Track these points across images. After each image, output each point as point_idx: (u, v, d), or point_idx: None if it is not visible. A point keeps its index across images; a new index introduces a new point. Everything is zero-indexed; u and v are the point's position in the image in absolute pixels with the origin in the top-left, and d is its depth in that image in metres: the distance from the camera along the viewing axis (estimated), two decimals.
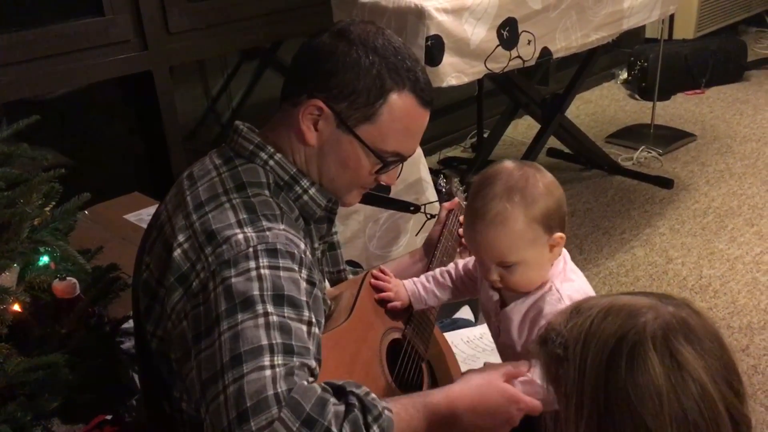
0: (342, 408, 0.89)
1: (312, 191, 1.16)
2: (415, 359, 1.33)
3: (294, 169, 1.14)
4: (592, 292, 1.20)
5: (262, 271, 0.96)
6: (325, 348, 1.05)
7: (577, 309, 0.82)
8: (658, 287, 2.48)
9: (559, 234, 1.14)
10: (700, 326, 0.77)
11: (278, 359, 0.89)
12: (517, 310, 1.19)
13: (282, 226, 1.04)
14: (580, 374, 0.77)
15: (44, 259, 1.34)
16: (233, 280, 0.95)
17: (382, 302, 1.33)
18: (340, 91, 1.08)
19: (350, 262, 2.08)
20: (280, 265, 0.98)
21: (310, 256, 1.07)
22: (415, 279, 1.38)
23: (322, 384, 0.91)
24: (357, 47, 1.09)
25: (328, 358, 1.06)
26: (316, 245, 1.22)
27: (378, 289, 1.34)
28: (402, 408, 0.98)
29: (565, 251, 1.21)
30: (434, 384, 1.31)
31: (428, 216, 1.72)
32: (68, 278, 1.34)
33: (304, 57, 1.14)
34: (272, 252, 0.98)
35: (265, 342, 0.90)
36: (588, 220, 2.98)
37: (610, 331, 0.76)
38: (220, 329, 0.92)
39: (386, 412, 0.92)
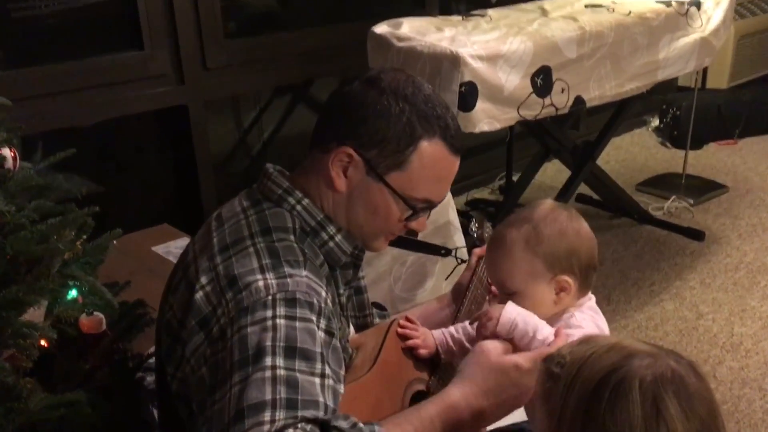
0: None
1: (338, 238, 1.15)
2: None
3: (321, 215, 1.14)
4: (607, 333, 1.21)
5: (277, 321, 0.95)
6: (346, 399, 1.03)
7: (586, 340, 0.88)
8: (687, 343, 2.43)
9: (567, 278, 1.15)
10: (695, 388, 0.78)
11: (279, 414, 0.88)
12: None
13: (304, 273, 1.03)
14: (567, 395, 0.81)
15: (73, 294, 1.34)
16: (249, 329, 0.95)
17: (408, 352, 1.32)
18: (370, 138, 1.09)
19: (375, 304, 2.05)
20: (297, 315, 0.97)
21: (330, 304, 1.06)
22: (443, 329, 1.36)
23: (308, 427, 0.89)
24: (387, 95, 1.10)
25: (348, 410, 1.04)
26: (341, 291, 1.21)
27: (404, 338, 1.32)
28: (394, 426, 1.00)
29: (591, 296, 1.23)
30: None
31: (459, 261, 1.70)
32: (95, 313, 1.34)
33: (335, 105, 1.14)
34: (291, 302, 0.98)
35: (268, 397, 0.90)
36: (616, 270, 2.93)
37: (604, 364, 0.80)
38: (231, 382, 0.92)
39: None
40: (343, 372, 1.04)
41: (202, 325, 1.01)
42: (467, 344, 1.35)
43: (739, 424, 2.03)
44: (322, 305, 1.01)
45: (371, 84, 1.12)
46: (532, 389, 0.98)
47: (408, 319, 1.35)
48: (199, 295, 1.02)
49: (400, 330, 1.32)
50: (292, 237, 1.09)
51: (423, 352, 1.31)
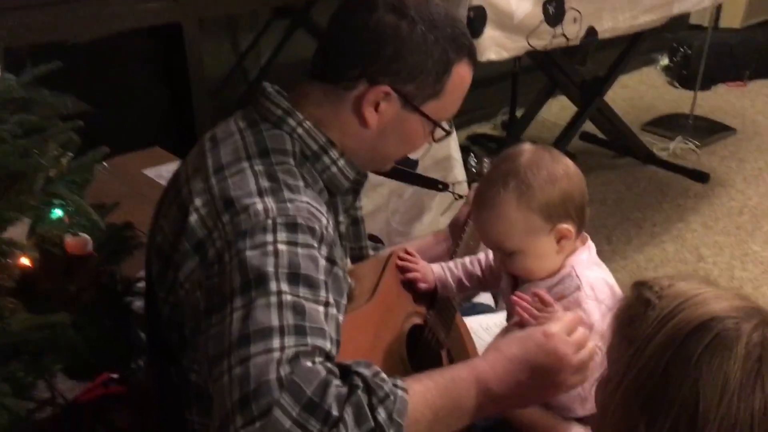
0: (345, 390, 0.82)
1: (341, 163, 1.09)
2: (435, 346, 1.28)
3: (323, 138, 1.07)
4: (616, 288, 1.14)
5: (279, 246, 0.90)
6: (345, 330, 0.99)
7: (687, 276, 0.80)
8: None
9: (566, 226, 1.08)
10: None
11: (289, 341, 0.84)
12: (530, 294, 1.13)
13: (305, 198, 0.98)
14: (660, 325, 0.74)
15: (57, 213, 1.28)
16: (248, 253, 0.89)
17: (406, 285, 1.28)
18: (409, 74, 1.04)
19: (371, 237, 2.01)
20: (299, 241, 0.92)
21: (332, 231, 1.01)
22: (443, 264, 1.32)
23: (329, 365, 0.84)
24: (418, 24, 1.03)
25: (347, 340, 0.99)
26: (341, 218, 1.16)
27: (404, 270, 1.28)
28: (423, 387, 0.90)
29: (591, 244, 1.16)
30: None
31: (456, 196, 1.65)
32: (81, 234, 1.28)
33: (357, 36, 1.05)
34: (292, 226, 0.93)
35: (276, 323, 0.85)
36: (618, 210, 2.88)
37: (713, 308, 0.73)
38: (232, 305, 0.87)
39: (398, 391, 0.85)
40: (344, 302, 1.00)
41: (197, 248, 0.96)
42: (465, 281, 1.31)
43: None
44: (324, 232, 0.96)
45: (399, 13, 1.03)
46: (569, 359, 0.93)
47: (408, 252, 1.31)
48: (193, 217, 0.97)
49: (399, 262, 1.28)
50: (291, 161, 1.03)
51: (422, 286, 1.28)
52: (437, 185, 1.60)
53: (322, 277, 0.92)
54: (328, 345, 0.87)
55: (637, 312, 0.77)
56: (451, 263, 1.32)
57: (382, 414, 0.81)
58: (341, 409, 0.80)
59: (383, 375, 0.86)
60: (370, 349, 1.11)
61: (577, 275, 1.10)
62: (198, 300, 0.94)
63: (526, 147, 1.13)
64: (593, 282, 1.09)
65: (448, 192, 1.66)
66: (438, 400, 0.89)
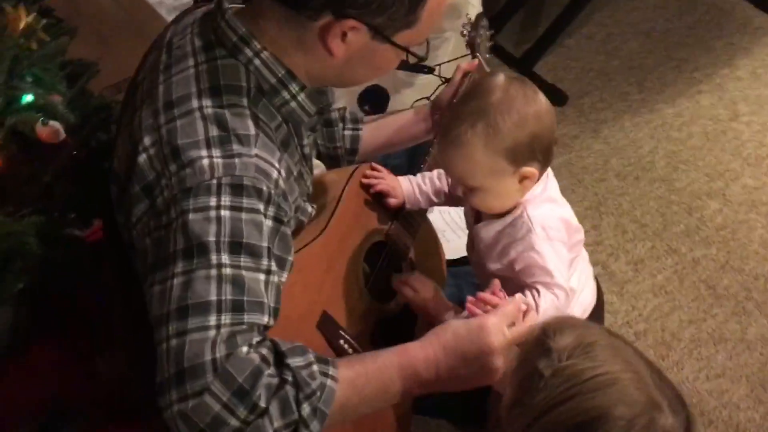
0: (275, 382, 0.86)
1: (301, 97, 1.04)
2: (396, 260, 1.29)
3: (283, 71, 1.01)
4: (573, 221, 1.16)
5: (222, 212, 0.90)
6: (297, 269, 1.02)
7: (589, 348, 0.78)
8: (709, 150, 2.28)
9: (530, 169, 1.08)
10: None
11: (225, 318, 0.87)
12: (486, 230, 1.17)
13: (254, 151, 0.95)
14: (546, 409, 0.75)
15: (28, 98, 1.27)
16: (191, 216, 0.90)
17: (371, 203, 1.27)
18: (379, 6, 0.94)
19: (375, 91, 1.94)
20: (243, 205, 0.92)
21: (283, 183, 0.99)
22: (411, 178, 1.30)
23: (263, 352, 0.88)
24: None
25: (296, 282, 1.03)
26: (305, 141, 1.12)
27: (369, 187, 1.26)
28: (353, 372, 0.94)
29: (550, 174, 1.16)
30: None
31: (443, 80, 1.54)
32: (51, 123, 1.27)
33: None
34: (237, 188, 0.91)
35: (214, 298, 0.87)
36: (661, 47, 2.65)
37: (604, 403, 0.73)
38: (174, 269, 0.89)
39: (327, 382, 0.90)
40: (290, 258, 1.00)
41: (146, 192, 0.96)
42: (433, 197, 1.29)
43: (729, 254, 1.99)
44: (272, 191, 0.95)
45: None
46: (497, 354, 0.94)
47: (374, 168, 1.28)
48: (142, 158, 0.96)
49: (364, 180, 1.26)
50: (244, 100, 0.98)
51: (391, 201, 1.27)
52: (423, 69, 1.49)
53: (265, 243, 0.92)
54: (265, 318, 0.90)
55: (530, 378, 0.77)
56: (419, 178, 1.31)
57: (306, 409, 0.86)
58: (268, 400, 0.84)
59: (315, 368, 0.89)
60: (319, 286, 1.13)
61: (528, 217, 1.11)
62: (146, 248, 0.97)
63: (499, 82, 1.08)
64: (544, 221, 1.11)
65: (434, 76, 1.55)
66: (366, 386, 0.93)
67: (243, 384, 0.84)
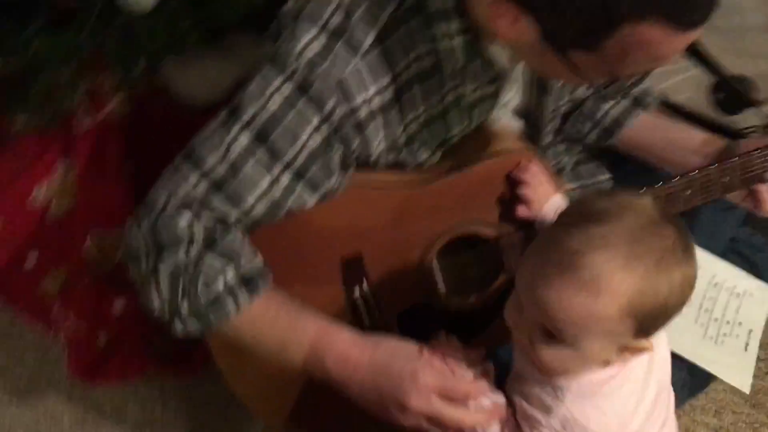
0: (180, 262, 0.86)
1: (456, 42, 0.87)
2: (490, 266, 1.06)
3: (452, 2, 0.85)
4: None
5: (275, 97, 0.87)
6: (358, 200, 0.97)
7: None
8: None
9: (644, 342, 0.79)
10: None
11: (201, 186, 0.88)
12: (516, 386, 0.88)
13: (349, 67, 0.87)
14: None
15: None
16: (256, 79, 0.88)
17: (500, 191, 1.03)
18: (554, 7, 0.75)
19: None
20: (297, 107, 0.87)
21: (365, 112, 0.89)
22: (561, 200, 1.03)
23: (196, 232, 0.87)
24: None
25: (345, 211, 0.97)
26: (461, 90, 0.95)
27: (517, 183, 1.01)
28: (263, 309, 0.88)
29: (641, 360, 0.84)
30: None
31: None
32: None
33: None
34: (303, 89, 0.87)
35: (211, 161, 0.88)
36: None
37: None
38: (219, 114, 0.90)
39: (228, 304, 0.86)
40: (323, 189, 0.92)
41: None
42: None
43: None
44: (339, 112, 0.88)
45: None
46: (406, 412, 0.83)
47: (532, 165, 1.02)
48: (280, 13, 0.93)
49: (514, 171, 1.01)
50: (389, 7, 0.87)
51: (521, 211, 1.01)
52: (729, 132, 1.17)
53: (291, 154, 0.88)
54: (233, 215, 0.89)
55: None
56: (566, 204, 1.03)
57: (185, 305, 0.86)
58: (166, 273, 0.86)
59: (226, 279, 0.86)
60: (371, 229, 1.00)
61: (567, 407, 0.81)
62: None
63: (652, 210, 0.77)
64: (572, 422, 0.81)
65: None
66: (266, 332, 0.89)
67: (160, 243, 0.87)
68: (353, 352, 0.86)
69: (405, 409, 0.84)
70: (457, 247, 1.05)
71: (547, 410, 0.81)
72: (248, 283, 0.87)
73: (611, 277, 0.72)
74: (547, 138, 1.12)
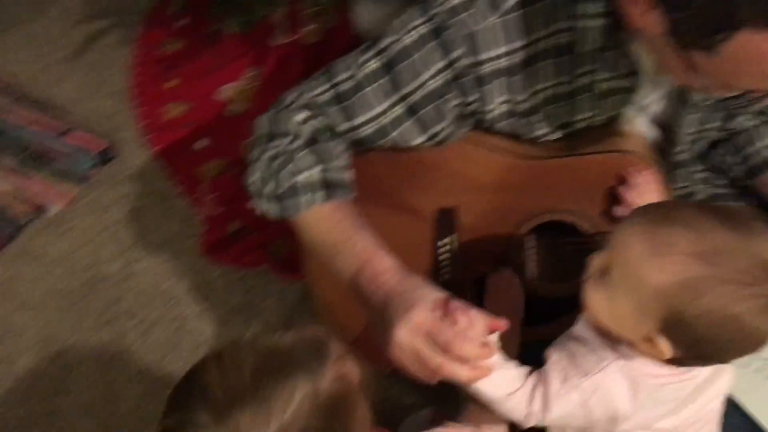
0: (281, 150, 0.93)
1: (595, 23, 0.88)
2: (577, 257, 1.02)
3: None
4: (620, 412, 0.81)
5: (410, 33, 0.91)
6: (469, 160, 1.00)
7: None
8: None
9: (664, 347, 0.75)
10: None
11: (326, 95, 0.94)
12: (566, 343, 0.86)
13: (488, 21, 0.88)
14: None
15: None
16: (403, 16, 0.93)
17: (601, 187, 1.01)
18: None
19: None
20: (427, 47, 0.90)
21: (491, 68, 0.91)
22: None
23: (305, 131, 0.94)
24: None
25: (455, 165, 1.02)
26: (597, 76, 0.94)
27: (623, 182, 0.98)
28: (329, 212, 0.92)
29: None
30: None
31: None
32: None
33: None
34: (434, 32, 0.90)
35: (340, 77, 0.94)
36: None
37: None
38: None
39: (302, 200, 0.91)
40: (431, 131, 0.96)
41: None
42: None
43: None
44: (463, 63, 0.90)
45: None
46: (393, 342, 0.79)
47: (645, 173, 0.99)
48: None
49: (627, 171, 0.98)
50: None
51: (618, 211, 0.98)
52: None
53: (409, 88, 0.92)
54: (342, 126, 0.95)
55: None
56: None
57: (269, 187, 0.93)
58: (269, 151, 0.94)
59: (311, 177, 0.91)
60: (470, 188, 1.03)
61: (605, 367, 0.80)
62: None
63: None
64: (603, 390, 0.80)
65: None
66: (323, 236, 0.92)
67: (273, 131, 0.96)
68: (386, 275, 0.86)
69: (391, 338, 0.80)
70: (551, 231, 1.06)
71: (585, 372, 0.81)
72: (327, 187, 0.92)
73: (680, 253, 0.72)
74: (681, 156, 1.08)
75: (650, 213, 0.77)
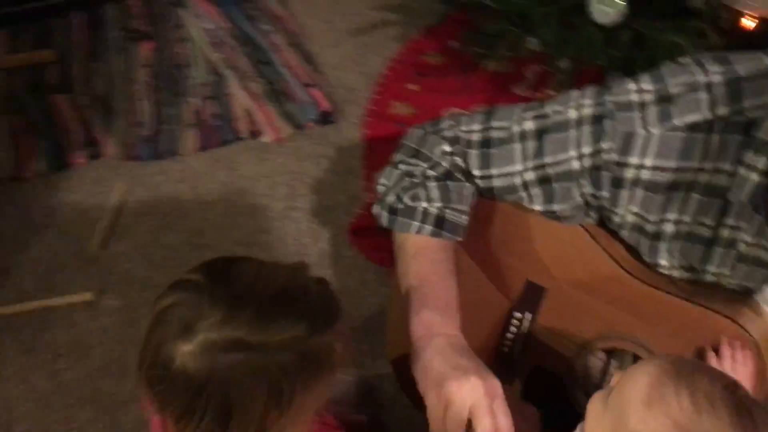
0: (420, 171, 0.96)
1: (756, 177, 0.82)
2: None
3: None
4: None
5: (579, 110, 0.91)
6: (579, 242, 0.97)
7: None
8: None
9: None
10: None
11: (476, 135, 0.96)
12: None
13: (657, 130, 0.86)
14: None
15: None
16: (581, 89, 0.94)
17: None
18: None
19: None
20: (584, 128, 0.91)
21: (631, 179, 0.88)
22: None
23: (452, 161, 0.96)
24: None
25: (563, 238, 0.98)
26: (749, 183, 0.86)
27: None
28: (430, 273, 0.92)
29: None
30: None
31: None
32: None
33: None
34: (599, 118, 0.90)
35: (499, 123, 0.96)
36: None
37: None
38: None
39: (414, 224, 0.94)
40: (552, 206, 0.95)
41: None
42: None
43: None
44: (608, 156, 0.88)
45: None
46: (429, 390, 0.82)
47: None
48: None
49: (723, 342, 0.89)
50: (722, 108, 0.83)
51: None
52: None
53: (549, 160, 0.92)
54: (478, 171, 0.96)
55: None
56: None
57: (389, 197, 0.98)
58: (407, 167, 0.98)
59: (445, 213, 0.94)
60: (572, 283, 0.99)
61: None
62: None
63: None
64: None
65: None
66: (412, 267, 0.94)
67: (419, 150, 0.99)
68: (441, 337, 0.86)
69: (434, 382, 0.81)
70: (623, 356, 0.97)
71: None
72: (439, 225, 0.94)
73: (667, 417, 0.66)
74: None
75: (679, 365, 0.70)
